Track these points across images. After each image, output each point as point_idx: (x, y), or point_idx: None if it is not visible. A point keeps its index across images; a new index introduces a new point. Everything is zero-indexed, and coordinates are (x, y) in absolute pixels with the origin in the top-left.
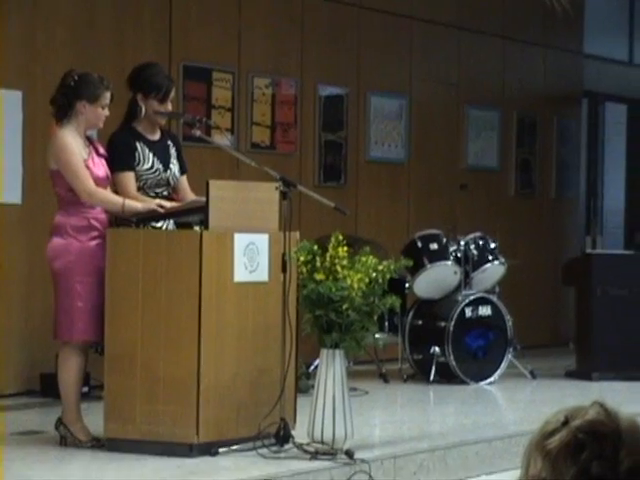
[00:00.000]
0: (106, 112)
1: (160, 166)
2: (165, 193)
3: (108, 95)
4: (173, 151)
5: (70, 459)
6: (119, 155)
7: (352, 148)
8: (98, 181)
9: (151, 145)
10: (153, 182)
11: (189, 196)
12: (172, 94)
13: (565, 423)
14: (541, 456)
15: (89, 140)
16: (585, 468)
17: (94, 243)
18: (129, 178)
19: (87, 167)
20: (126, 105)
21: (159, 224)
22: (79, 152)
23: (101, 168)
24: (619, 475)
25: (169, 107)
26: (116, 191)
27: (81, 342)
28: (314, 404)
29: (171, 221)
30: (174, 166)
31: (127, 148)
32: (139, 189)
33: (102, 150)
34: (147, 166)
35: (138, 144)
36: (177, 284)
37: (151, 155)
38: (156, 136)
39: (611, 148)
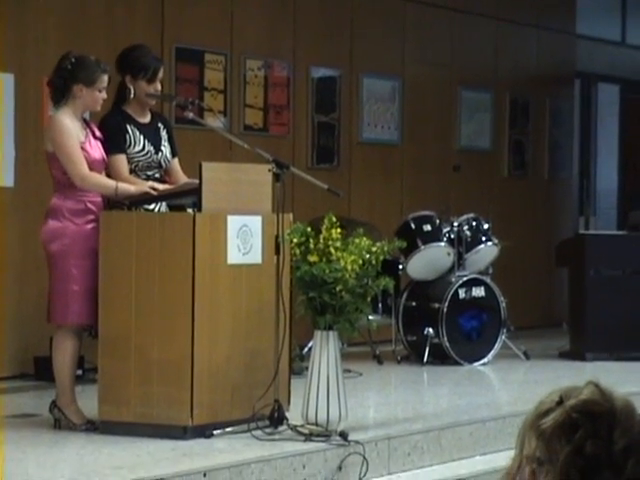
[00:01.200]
0: (103, 95)
1: (151, 148)
2: (157, 175)
3: (105, 78)
4: (164, 133)
5: (64, 442)
6: (110, 138)
7: (345, 130)
8: (95, 164)
9: (142, 127)
10: (144, 164)
11: (181, 178)
12: (161, 74)
13: (559, 403)
14: (535, 436)
15: (86, 122)
16: (579, 447)
17: (90, 226)
18: (121, 161)
19: (84, 149)
20: (116, 88)
21: (151, 206)
22: (76, 135)
23: (97, 151)
24: (613, 454)
25: (158, 87)
26: (109, 174)
27: (76, 325)
28: (308, 386)
29: (164, 203)
30: (165, 148)
31: (118, 131)
32: (131, 172)
33: (98, 133)
34: (138, 148)
35: (129, 127)
36: (170, 266)
37: (142, 137)
38: (146, 118)
39: (604, 129)
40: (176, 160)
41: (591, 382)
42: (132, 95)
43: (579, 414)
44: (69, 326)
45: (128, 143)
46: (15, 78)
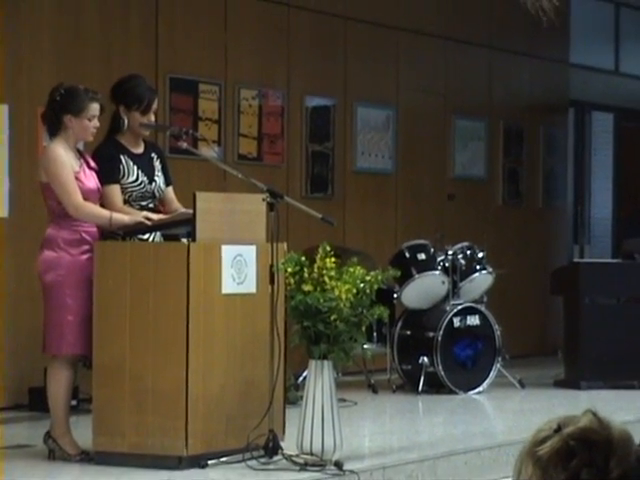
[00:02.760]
0: (95, 123)
1: (145, 178)
2: (151, 205)
3: (95, 106)
4: (157, 163)
5: (59, 473)
6: (104, 168)
7: (339, 159)
8: (89, 193)
9: (135, 158)
10: (138, 195)
11: (176, 207)
12: (155, 106)
13: (557, 430)
14: (532, 462)
15: (80, 153)
16: (575, 475)
17: (85, 257)
18: (115, 191)
19: (78, 179)
20: (109, 118)
21: (146, 236)
22: (70, 165)
23: (92, 180)
24: None
25: (152, 118)
26: (103, 204)
27: (70, 356)
28: (303, 415)
29: (158, 233)
30: (159, 178)
31: (111, 161)
32: (125, 202)
33: (93, 163)
34: (132, 179)
35: (122, 157)
36: (165, 296)
37: (135, 168)
38: (140, 149)
39: (598, 157)
40: (171, 189)
41: (589, 411)
42: (126, 126)
43: (576, 442)
44: (64, 356)
45: (122, 174)
46: (10, 109)
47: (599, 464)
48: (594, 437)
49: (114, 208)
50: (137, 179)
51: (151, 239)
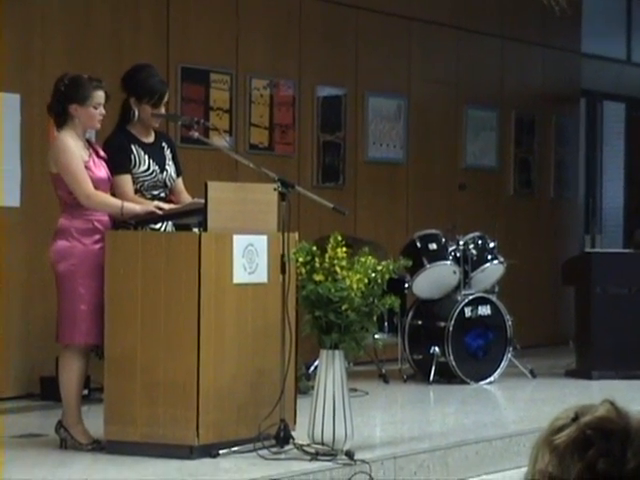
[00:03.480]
0: (101, 111)
1: (156, 168)
2: (162, 195)
3: (99, 94)
4: (168, 152)
5: (70, 462)
6: (114, 158)
7: (350, 149)
8: (100, 182)
9: (146, 147)
10: (150, 184)
11: (185, 198)
12: (166, 98)
13: (575, 419)
14: (548, 450)
15: (89, 142)
16: (591, 465)
17: (98, 246)
18: (126, 180)
19: (88, 168)
20: (120, 107)
21: (157, 226)
22: (79, 154)
23: (102, 170)
24: (625, 474)
25: (162, 111)
26: (114, 194)
27: (83, 345)
28: (314, 405)
29: (170, 223)
30: (170, 167)
31: (122, 151)
32: (136, 191)
33: (102, 152)
34: (143, 168)
35: (133, 147)
36: (176, 286)
37: (147, 157)
38: (150, 138)
39: (610, 147)
40: (180, 180)
41: (607, 400)
42: (136, 117)
43: (593, 431)
44: (76, 346)
45: (133, 163)
46: (21, 98)
47: (616, 454)
48: (611, 427)
49: (126, 198)
50: (149, 168)
51: (163, 229)
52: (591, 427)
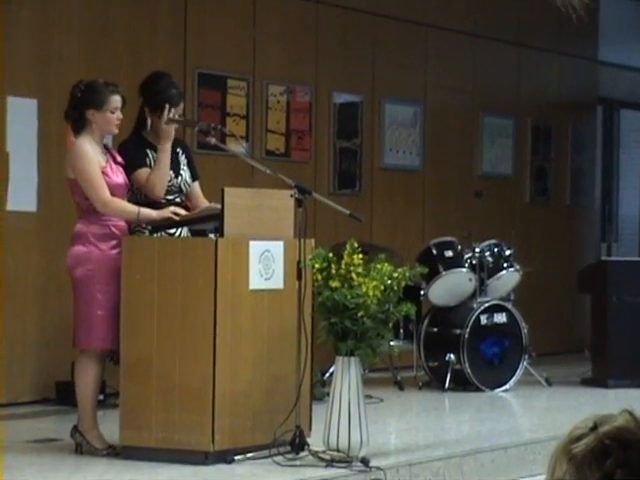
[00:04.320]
0: (118, 115)
1: (171, 173)
2: (178, 200)
3: (116, 98)
4: (183, 158)
5: (86, 467)
6: (131, 157)
7: (367, 155)
8: (116, 188)
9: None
10: (164, 189)
11: (202, 203)
12: (179, 110)
13: (593, 429)
14: (566, 460)
15: (106, 148)
16: (609, 475)
17: (115, 251)
18: (144, 174)
19: (105, 174)
20: (136, 112)
21: (172, 231)
22: (96, 160)
23: (119, 175)
24: None
25: (177, 116)
26: (134, 191)
27: (99, 350)
28: (329, 411)
29: (185, 229)
30: (185, 173)
31: (138, 150)
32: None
33: (119, 158)
34: None
35: (148, 151)
36: (192, 292)
37: None
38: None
39: (626, 154)
40: (197, 184)
41: (626, 410)
42: (149, 127)
43: (611, 441)
44: (93, 351)
45: (148, 168)
46: (39, 103)
47: (634, 464)
48: (630, 437)
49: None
50: None
51: (178, 234)
52: (609, 437)
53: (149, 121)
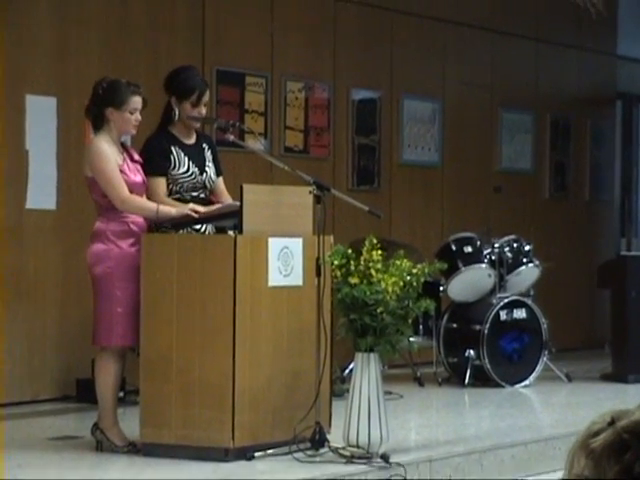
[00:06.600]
0: (137, 117)
1: (196, 169)
2: (202, 196)
3: (136, 99)
4: (209, 154)
5: (106, 464)
6: (152, 159)
7: (385, 152)
8: (134, 186)
9: (186, 149)
10: (189, 185)
11: (226, 198)
12: (206, 98)
13: (611, 423)
14: (585, 454)
15: (123, 147)
16: (628, 468)
17: (134, 249)
18: (159, 183)
19: (123, 172)
20: (161, 110)
21: (198, 227)
22: (114, 159)
23: (137, 174)
24: None
25: (203, 111)
26: (147, 195)
27: (120, 347)
28: (349, 408)
29: (210, 225)
30: (210, 169)
31: (161, 153)
32: (176, 193)
33: (137, 156)
34: (183, 170)
35: (173, 148)
36: (212, 289)
37: (186, 159)
38: (192, 139)
39: None
40: (221, 180)
41: None
42: (177, 117)
43: (630, 435)
44: (113, 348)
45: (172, 165)
46: (58, 101)
47: None
48: None
49: (157, 200)
50: (188, 170)
51: (203, 230)
52: (628, 431)
53: (176, 112)
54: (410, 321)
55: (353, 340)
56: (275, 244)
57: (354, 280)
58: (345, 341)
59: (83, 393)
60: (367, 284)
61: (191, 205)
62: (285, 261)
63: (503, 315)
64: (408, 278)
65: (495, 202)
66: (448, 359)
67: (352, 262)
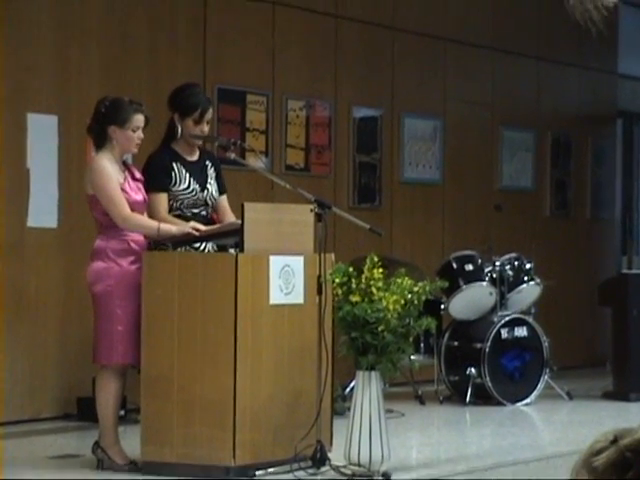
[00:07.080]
0: (139, 135)
1: (197, 186)
2: (203, 213)
3: (139, 118)
4: (211, 171)
5: None
6: (153, 176)
7: (386, 169)
8: (135, 205)
9: (188, 165)
10: (190, 202)
11: (229, 216)
12: (209, 115)
13: (614, 442)
14: (587, 473)
15: (125, 165)
16: None
17: (134, 267)
18: (160, 200)
19: (124, 191)
20: (164, 127)
21: (197, 245)
22: (115, 177)
23: (138, 192)
24: None
25: (205, 129)
26: (147, 211)
27: (120, 365)
28: (350, 426)
29: (210, 243)
30: (211, 186)
31: (163, 169)
32: (177, 209)
33: (138, 175)
34: (183, 186)
35: (175, 165)
36: (213, 307)
37: (188, 175)
38: (194, 156)
39: None
40: (224, 198)
41: None
42: (179, 134)
43: (632, 453)
44: (114, 366)
45: (173, 181)
46: (59, 120)
47: None
48: None
49: (157, 216)
50: (189, 186)
51: (203, 248)
52: (630, 449)
53: (179, 129)
54: (411, 339)
55: (354, 358)
56: (276, 262)
57: (355, 298)
58: (346, 359)
59: (84, 411)
60: (368, 302)
61: (192, 223)
62: (286, 279)
63: (504, 333)
64: (409, 296)
65: (496, 220)
66: (449, 377)
67: (353, 280)
